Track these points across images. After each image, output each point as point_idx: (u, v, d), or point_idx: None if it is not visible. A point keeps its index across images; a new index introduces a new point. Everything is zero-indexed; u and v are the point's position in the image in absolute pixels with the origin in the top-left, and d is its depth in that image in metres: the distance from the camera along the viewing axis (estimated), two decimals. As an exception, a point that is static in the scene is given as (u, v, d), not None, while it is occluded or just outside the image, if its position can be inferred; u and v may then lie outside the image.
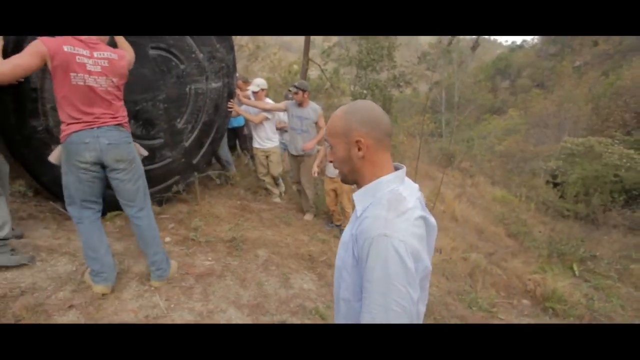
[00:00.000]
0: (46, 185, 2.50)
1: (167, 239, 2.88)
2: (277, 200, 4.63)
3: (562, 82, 21.00)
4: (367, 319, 0.79)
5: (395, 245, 0.77)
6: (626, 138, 12.97)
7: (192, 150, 3.40)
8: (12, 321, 1.77)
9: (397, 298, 0.75)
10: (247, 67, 12.08)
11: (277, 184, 4.68)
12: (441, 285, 3.66)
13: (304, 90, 3.75)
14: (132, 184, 2.08)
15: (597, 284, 4.76)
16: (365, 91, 8.24)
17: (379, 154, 0.91)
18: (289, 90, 3.87)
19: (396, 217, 0.81)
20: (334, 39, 11.08)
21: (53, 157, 2.01)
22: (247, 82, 4.62)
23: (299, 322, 2.33)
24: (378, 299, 0.77)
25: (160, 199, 3.30)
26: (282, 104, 4.04)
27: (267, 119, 4.17)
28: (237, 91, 3.76)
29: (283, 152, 4.90)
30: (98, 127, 1.91)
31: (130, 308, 2.07)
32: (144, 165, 2.71)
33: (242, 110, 4.05)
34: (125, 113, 2.10)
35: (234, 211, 3.86)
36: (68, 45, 1.79)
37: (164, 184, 3.24)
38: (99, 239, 2.07)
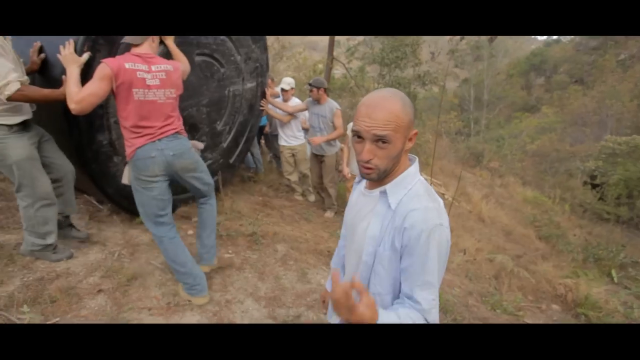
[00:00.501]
0: (112, 197, 2.57)
1: (190, 232, 2.99)
2: (299, 197, 4.68)
3: (604, 77, 19.71)
4: (427, 302, 0.85)
5: (448, 234, 0.87)
6: (677, 136, 11.97)
7: (229, 150, 3.50)
8: (47, 301, 1.91)
9: (438, 275, 0.87)
10: (272, 67, 12.27)
11: (306, 182, 4.72)
12: (464, 286, 3.56)
13: (318, 87, 3.75)
14: (200, 183, 2.21)
15: (639, 291, 4.43)
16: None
17: None
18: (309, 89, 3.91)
19: (440, 206, 0.89)
20: (359, 37, 11.01)
21: (125, 179, 2.12)
22: (273, 80, 4.71)
23: (314, 315, 2.35)
24: (434, 282, 0.86)
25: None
26: (303, 104, 4.09)
27: (294, 117, 4.25)
28: (266, 90, 3.84)
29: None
30: (159, 139, 1.95)
31: (154, 295, 2.18)
32: None
33: (271, 109, 4.11)
34: (181, 122, 2.15)
35: (255, 207, 3.94)
36: (129, 62, 1.85)
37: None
38: (183, 254, 2.12)
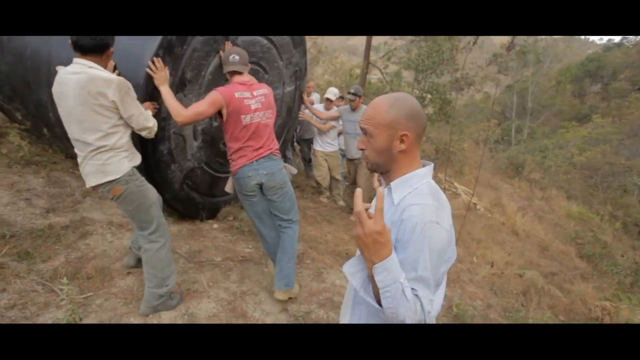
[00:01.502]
0: (168, 202, 2.66)
1: (215, 226, 3.17)
2: (324, 200, 4.76)
3: (671, 85, 17.83)
4: (426, 300, 0.83)
5: (444, 235, 0.87)
6: None
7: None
8: (84, 277, 2.14)
9: (432, 273, 0.85)
10: (309, 71, 12.49)
11: (337, 187, 4.82)
12: (486, 299, 3.43)
13: (360, 96, 3.97)
14: (284, 203, 2.37)
15: (691, 322, 3.99)
16: (424, 94, 7.98)
17: (415, 148, 0.95)
18: (349, 98, 4.05)
19: (441, 207, 0.90)
20: (397, 42, 10.92)
21: (229, 188, 2.43)
22: (310, 84, 4.86)
23: (324, 314, 2.40)
24: (429, 279, 0.85)
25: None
26: (336, 112, 4.26)
27: (334, 127, 4.42)
28: (304, 96, 3.97)
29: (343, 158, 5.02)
30: (256, 160, 2.22)
31: (176, 281, 2.34)
32: (229, 171, 3.03)
33: (308, 116, 4.25)
34: (276, 141, 2.38)
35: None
36: (238, 92, 2.11)
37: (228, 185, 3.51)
38: (281, 252, 2.39)
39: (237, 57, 2.17)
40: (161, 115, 2.28)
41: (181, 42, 2.26)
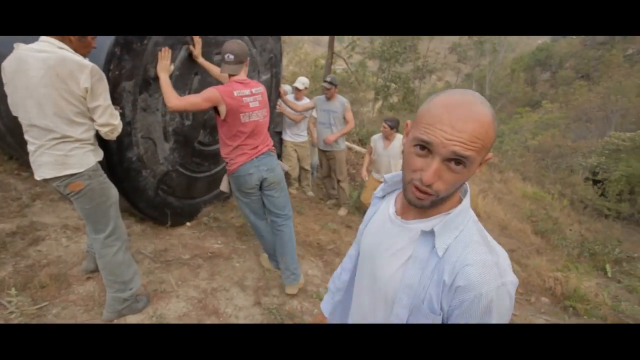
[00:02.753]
0: (143, 211, 2.56)
1: (188, 224, 3.05)
2: (294, 191, 4.74)
3: (610, 72, 19.44)
4: None
5: (511, 291, 0.67)
6: (682, 132, 11.83)
7: None
8: (37, 287, 1.99)
9: None
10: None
11: (306, 177, 4.80)
12: (452, 279, 3.60)
13: (335, 85, 3.91)
14: (281, 199, 2.38)
15: (630, 285, 4.45)
16: (388, 83, 8.12)
17: None
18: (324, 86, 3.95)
19: (498, 256, 0.68)
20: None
21: (223, 187, 2.37)
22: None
23: (297, 304, 2.41)
24: None
25: (226, 198, 3.40)
26: (311, 102, 4.19)
27: (305, 117, 4.37)
28: (280, 89, 3.83)
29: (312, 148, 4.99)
30: (257, 157, 2.21)
31: (142, 282, 2.24)
32: (210, 170, 2.97)
33: (283, 108, 4.16)
34: (271, 138, 2.37)
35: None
36: (237, 90, 2.05)
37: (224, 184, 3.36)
38: (280, 245, 2.43)
39: (231, 57, 2.07)
40: (125, 119, 2.12)
41: (140, 37, 2.09)
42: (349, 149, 6.35)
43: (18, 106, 1.59)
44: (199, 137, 2.79)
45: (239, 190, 2.30)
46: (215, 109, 2.09)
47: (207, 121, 2.83)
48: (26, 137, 1.63)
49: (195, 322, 2.05)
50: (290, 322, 2.21)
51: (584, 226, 7.86)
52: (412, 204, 0.69)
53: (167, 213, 2.75)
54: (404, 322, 0.74)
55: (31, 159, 1.64)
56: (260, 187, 2.33)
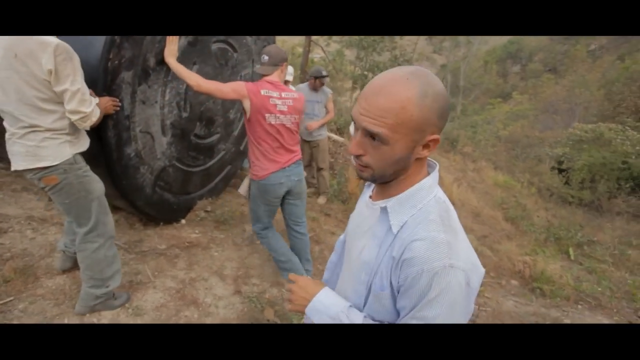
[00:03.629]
0: (141, 209, 2.45)
1: (183, 221, 2.95)
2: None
3: (575, 66, 20.38)
4: None
5: (462, 278, 0.62)
6: (638, 124, 12.63)
7: (239, 137, 3.38)
8: (0, 281, 1.87)
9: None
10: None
11: None
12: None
13: (324, 77, 3.91)
14: (302, 208, 2.40)
15: (590, 267, 4.76)
16: (366, 72, 8.13)
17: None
18: (314, 78, 3.95)
19: (455, 238, 0.66)
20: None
21: (243, 190, 2.24)
22: None
23: (277, 292, 2.40)
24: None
25: (219, 191, 3.33)
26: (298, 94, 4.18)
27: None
28: None
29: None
30: (288, 167, 2.16)
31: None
32: (205, 164, 2.88)
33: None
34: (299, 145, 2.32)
35: (227, 189, 3.92)
36: (264, 89, 2.01)
37: (219, 177, 3.25)
38: (284, 246, 2.40)
39: (266, 58, 2.06)
40: (124, 113, 2.00)
41: None
42: (327, 137, 6.36)
43: None
44: (195, 130, 2.70)
45: (264, 197, 2.20)
46: (243, 108, 2.04)
47: (204, 113, 2.74)
48: (3, 124, 1.50)
49: (173, 312, 2.00)
50: (270, 309, 2.21)
51: (550, 213, 8.29)
52: (359, 176, 0.72)
53: (164, 210, 2.66)
54: (363, 299, 0.75)
55: (7, 147, 1.52)
56: (285, 196, 2.30)
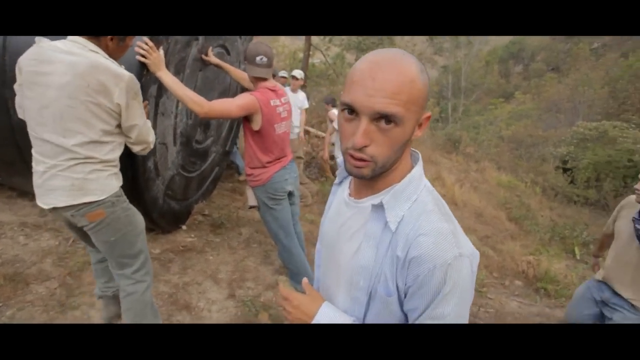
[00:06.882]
0: (155, 221, 2.43)
1: (184, 227, 2.93)
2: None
3: (578, 65, 20.23)
4: None
5: (469, 265, 0.61)
6: (643, 122, 12.48)
7: (226, 138, 3.38)
8: (-11, 288, 1.85)
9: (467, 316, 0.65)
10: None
11: None
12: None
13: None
14: (297, 207, 2.43)
15: (596, 266, 4.66)
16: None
17: None
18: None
19: (455, 225, 0.64)
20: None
21: (252, 201, 2.22)
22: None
23: (272, 295, 2.36)
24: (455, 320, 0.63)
25: (209, 193, 3.32)
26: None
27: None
28: None
29: None
30: (288, 165, 2.19)
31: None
32: (200, 168, 2.87)
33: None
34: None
35: (223, 192, 3.90)
36: (272, 99, 1.95)
37: (209, 179, 3.23)
38: (303, 261, 2.38)
39: (264, 59, 1.90)
40: None
41: (165, 36, 1.86)
42: (307, 132, 6.39)
43: (30, 113, 1.29)
44: (196, 136, 2.69)
45: (273, 198, 2.15)
46: (246, 118, 1.92)
47: (203, 118, 2.73)
48: (34, 152, 1.33)
49: (165, 317, 1.97)
50: (265, 313, 2.17)
51: (555, 212, 8.17)
52: (353, 175, 0.64)
53: (171, 219, 2.65)
54: (364, 306, 0.70)
55: (38, 181, 1.32)
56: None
